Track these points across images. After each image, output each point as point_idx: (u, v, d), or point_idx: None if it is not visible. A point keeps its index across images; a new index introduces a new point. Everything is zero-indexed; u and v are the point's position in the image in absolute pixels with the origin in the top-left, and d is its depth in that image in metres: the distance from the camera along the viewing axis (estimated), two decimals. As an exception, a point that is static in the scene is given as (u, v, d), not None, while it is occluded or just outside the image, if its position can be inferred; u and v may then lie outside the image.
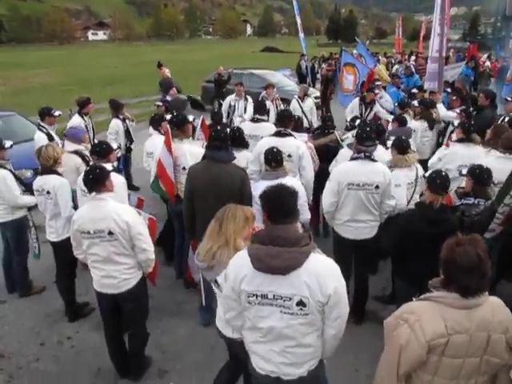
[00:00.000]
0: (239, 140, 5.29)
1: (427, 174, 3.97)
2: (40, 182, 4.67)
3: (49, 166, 4.65)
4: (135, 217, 3.69)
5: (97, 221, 3.55)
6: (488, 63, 18.00)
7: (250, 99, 9.19)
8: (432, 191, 3.70)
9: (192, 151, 5.03)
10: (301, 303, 2.30)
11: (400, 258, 4.00)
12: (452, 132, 6.37)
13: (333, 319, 2.38)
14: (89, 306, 5.12)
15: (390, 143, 5.02)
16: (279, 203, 2.34)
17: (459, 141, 5.33)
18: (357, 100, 8.82)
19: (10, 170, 5.13)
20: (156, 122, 6.53)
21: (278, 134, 5.24)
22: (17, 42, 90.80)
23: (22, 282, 5.44)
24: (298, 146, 5.18)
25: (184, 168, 4.97)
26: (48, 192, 4.60)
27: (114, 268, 3.68)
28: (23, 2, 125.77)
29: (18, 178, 5.20)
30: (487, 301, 2.18)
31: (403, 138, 4.90)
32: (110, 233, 3.54)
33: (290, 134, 5.27)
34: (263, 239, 2.34)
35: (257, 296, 2.37)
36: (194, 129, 5.99)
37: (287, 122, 5.38)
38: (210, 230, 2.99)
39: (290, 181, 4.10)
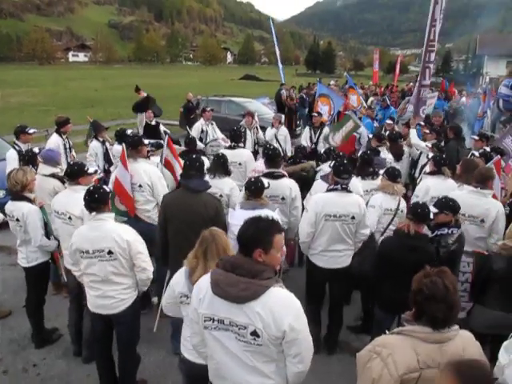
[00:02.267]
0: (222, 167, 5.21)
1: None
2: (10, 207, 4.57)
3: (15, 190, 4.54)
4: (135, 236, 3.69)
5: (96, 240, 3.56)
6: (464, 99, 18.56)
7: (213, 122, 9.40)
8: (415, 222, 3.85)
9: (146, 169, 5.19)
10: (254, 333, 2.30)
11: (379, 286, 4.08)
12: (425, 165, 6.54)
13: (292, 356, 2.35)
14: (57, 331, 4.99)
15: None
16: (241, 237, 2.37)
17: (431, 173, 5.49)
18: (307, 128, 9.37)
19: None
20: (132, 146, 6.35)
21: (269, 176, 5.01)
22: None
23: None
24: (290, 187, 5.08)
25: (140, 186, 5.11)
26: (17, 219, 4.51)
27: (111, 288, 3.67)
28: (3, 19, 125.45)
29: None
30: (458, 335, 2.21)
31: (396, 167, 5.13)
32: (110, 252, 3.55)
33: (283, 176, 5.16)
34: (226, 266, 2.36)
35: (213, 320, 2.37)
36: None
37: (278, 162, 5.25)
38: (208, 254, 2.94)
39: (267, 213, 4.09)
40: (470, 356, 2.16)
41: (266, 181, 4.58)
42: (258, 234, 2.34)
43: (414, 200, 5.29)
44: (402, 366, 2.12)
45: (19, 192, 4.54)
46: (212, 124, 9.28)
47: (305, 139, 9.20)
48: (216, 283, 2.34)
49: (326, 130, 9.18)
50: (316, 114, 9.51)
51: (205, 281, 2.44)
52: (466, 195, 4.62)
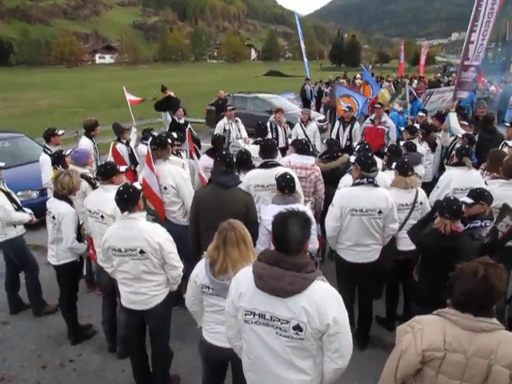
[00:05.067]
0: (246, 163, 5.21)
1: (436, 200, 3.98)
2: (50, 203, 4.74)
3: (61, 194, 4.68)
4: (166, 235, 3.74)
5: (128, 240, 3.62)
6: (493, 88, 18.08)
7: (239, 119, 9.28)
8: (444, 218, 3.70)
9: (171, 171, 5.16)
10: (297, 327, 2.29)
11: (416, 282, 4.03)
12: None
13: (332, 351, 2.35)
14: (91, 328, 5.11)
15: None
16: (288, 241, 2.31)
17: (453, 165, 5.37)
18: (337, 122, 9.28)
19: (1, 190, 5.17)
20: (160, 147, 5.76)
21: (264, 166, 5.06)
22: (26, 64, 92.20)
23: (35, 299, 5.45)
24: None
25: (165, 188, 5.11)
26: (53, 217, 4.65)
27: (143, 285, 3.73)
28: (33, 25, 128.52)
29: (9, 196, 5.23)
30: (496, 330, 2.16)
31: (406, 160, 4.89)
32: (142, 252, 3.61)
33: (278, 165, 5.11)
34: (269, 259, 2.34)
35: (254, 314, 2.37)
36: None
37: (272, 152, 5.23)
38: (235, 254, 2.93)
39: (300, 208, 4.06)
40: (503, 354, 2.11)
41: (261, 171, 4.73)
42: (303, 238, 2.36)
43: (434, 192, 5.19)
44: (427, 342, 2.17)
45: (65, 195, 4.68)
46: (237, 122, 9.16)
47: (334, 133, 9.12)
48: (260, 277, 2.33)
49: (357, 125, 9.02)
50: (347, 109, 9.34)
51: (245, 274, 2.44)
52: (499, 188, 4.50)
